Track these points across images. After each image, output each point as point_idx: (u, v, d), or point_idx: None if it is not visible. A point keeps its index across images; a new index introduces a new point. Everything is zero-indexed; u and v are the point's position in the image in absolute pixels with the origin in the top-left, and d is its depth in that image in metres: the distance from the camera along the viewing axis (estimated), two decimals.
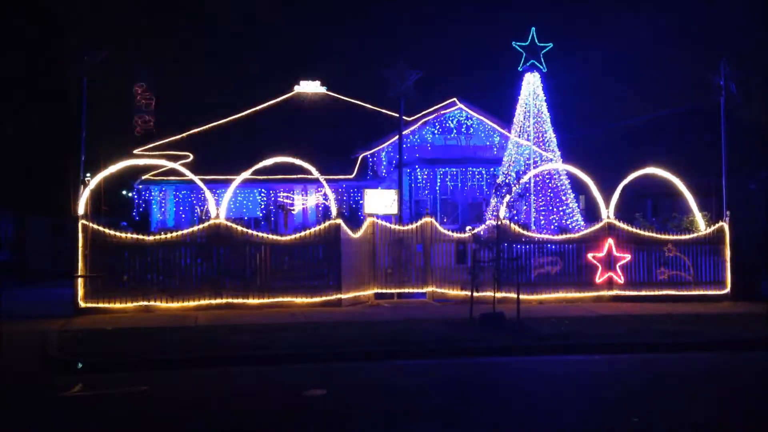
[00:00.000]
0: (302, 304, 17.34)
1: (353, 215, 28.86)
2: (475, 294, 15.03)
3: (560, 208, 21.75)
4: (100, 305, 16.44)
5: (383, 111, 35.53)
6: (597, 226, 18.96)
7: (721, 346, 13.25)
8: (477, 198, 29.31)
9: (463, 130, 31.46)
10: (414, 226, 19.34)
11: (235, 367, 11.58)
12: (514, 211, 17.16)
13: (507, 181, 17.31)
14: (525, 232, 18.68)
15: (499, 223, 16.98)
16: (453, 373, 11.53)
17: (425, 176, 30.10)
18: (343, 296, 17.68)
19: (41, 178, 28.93)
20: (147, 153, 30.06)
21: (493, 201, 17.00)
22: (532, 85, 22.08)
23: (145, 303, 16.71)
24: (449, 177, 30.03)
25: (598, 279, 18.62)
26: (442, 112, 31.37)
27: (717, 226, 19.29)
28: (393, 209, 19.68)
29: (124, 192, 36.63)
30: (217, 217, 17.40)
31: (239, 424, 8.71)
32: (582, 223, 21.44)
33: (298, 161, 21.31)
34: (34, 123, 28.99)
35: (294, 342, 12.83)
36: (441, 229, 19.33)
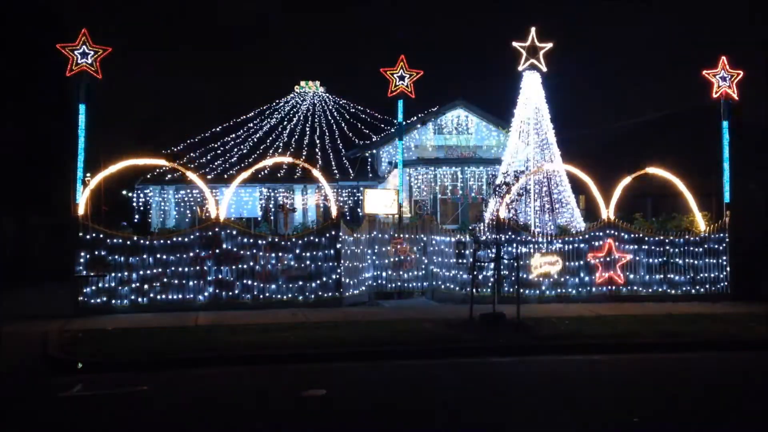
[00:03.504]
0: (302, 304, 17.34)
1: (353, 215, 28.89)
2: (475, 294, 15.04)
3: (560, 208, 21.73)
4: (100, 305, 16.46)
5: (383, 111, 35.55)
6: (597, 226, 18.96)
7: (721, 346, 13.24)
8: (477, 198, 29.32)
9: (463, 130, 31.50)
10: (414, 225, 19.35)
11: (235, 367, 11.58)
12: (514, 211, 17.13)
13: (507, 181, 17.27)
14: (525, 232, 18.69)
15: (499, 222, 16.99)
16: (453, 373, 11.53)
17: (425, 176, 30.12)
18: (343, 296, 17.69)
19: (41, 178, 28.92)
20: (147, 153, 30.06)
21: (492, 201, 16.98)
22: (531, 85, 22.06)
23: (145, 303, 16.73)
24: (449, 177, 30.04)
25: (598, 279, 18.62)
26: (442, 112, 31.40)
27: (717, 226, 19.30)
28: (393, 209, 19.68)
29: (124, 192, 36.67)
30: (217, 217, 17.41)
31: (239, 424, 8.71)
32: (582, 223, 21.43)
33: (298, 161, 21.34)
34: (34, 123, 28.97)
35: (294, 342, 12.83)
36: (441, 228, 19.33)
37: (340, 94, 39.24)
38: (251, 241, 17.45)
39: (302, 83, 39.30)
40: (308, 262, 17.60)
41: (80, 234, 16.49)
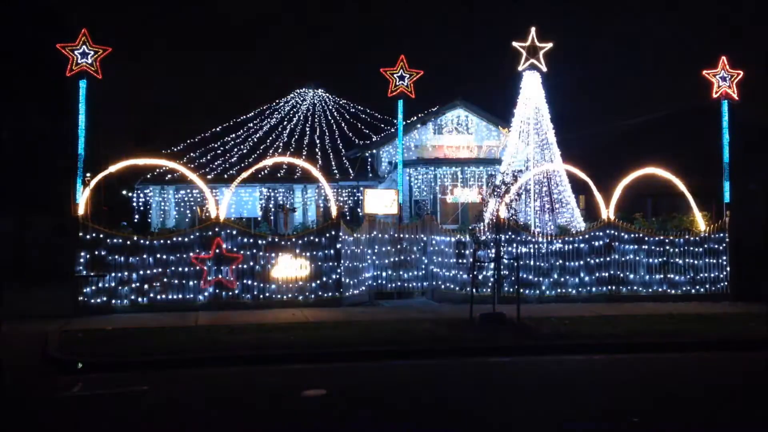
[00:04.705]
0: (302, 304, 17.34)
1: (353, 215, 28.88)
2: (475, 294, 15.05)
3: (560, 208, 21.74)
4: (100, 305, 16.46)
5: (383, 111, 35.55)
6: (597, 226, 18.96)
7: (721, 346, 13.25)
8: (477, 198, 29.31)
9: (463, 130, 31.48)
10: (414, 225, 19.35)
11: (235, 367, 11.59)
12: (514, 211, 17.12)
13: (507, 180, 17.27)
14: (525, 232, 18.69)
15: (499, 222, 16.98)
16: (453, 373, 11.53)
17: (425, 176, 30.11)
18: (343, 296, 17.68)
19: (41, 178, 28.89)
20: (147, 153, 30.04)
21: (492, 201, 16.99)
22: (532, 85, 22.06)
23: (145, 303, 16.72)
24: (449, 177, 30.04)
25: (598, 279, 18.62)
26: (442, 112, 31.39)
27: (717, 226, 19.30)
28: (393, 209, 19.67)
29: (124, 192, 36.65)
30: (217, 217, 17.41)
31: (239, 424, 8.71)
32: (582, 223, 21.43)
33: (298, 161, 21.33)
34: (34, 122, 28.94)
35: (294, 342, 12.83)
36: (441, 228, 19.33)
37: (340, 94, 39.24)
38: (251, 241, 17.44)
39: (302, 83, 39.32)
40: (308, 262, 17.60)
41: (80, 234, 16.49)
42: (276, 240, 17.81)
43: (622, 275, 18.71)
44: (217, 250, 17.16)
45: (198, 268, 17.07)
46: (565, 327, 14.39)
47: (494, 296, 15.24)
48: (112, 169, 17.46)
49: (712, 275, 19.01)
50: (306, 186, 30.94)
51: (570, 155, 23.20)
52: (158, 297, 16.83)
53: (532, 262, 18.49)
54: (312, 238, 17.78)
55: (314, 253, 17.62)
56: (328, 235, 17.74)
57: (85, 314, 16.05)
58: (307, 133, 34.88)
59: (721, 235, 19.14)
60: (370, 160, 31.82)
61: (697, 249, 19.02)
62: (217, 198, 21.49)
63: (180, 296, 16.94)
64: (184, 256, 17.03)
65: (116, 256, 16.69)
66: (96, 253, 16.55)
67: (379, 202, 19.76)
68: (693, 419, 8.91)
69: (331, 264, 17.63)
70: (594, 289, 18.59)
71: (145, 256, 16.84)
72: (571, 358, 12.49)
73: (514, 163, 21.81)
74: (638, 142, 31.13)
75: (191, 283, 17.01)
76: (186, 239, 17.16)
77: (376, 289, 18.75)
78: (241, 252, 17.29)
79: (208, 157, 32.26)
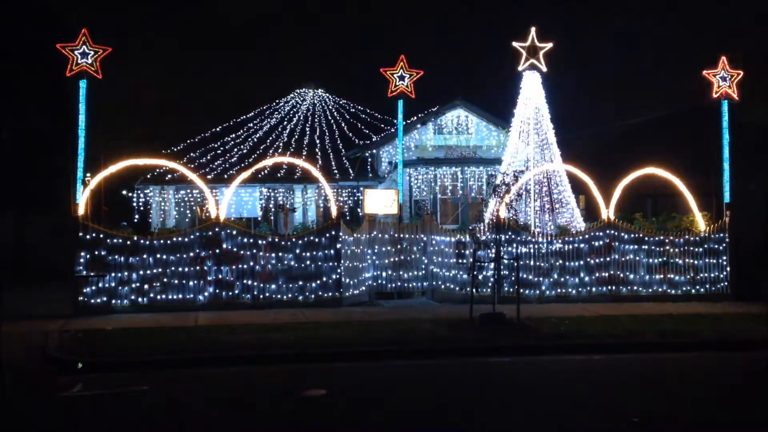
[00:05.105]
0: (302, 304, 17.34)
1: (353, 215, 28.88)
2: (475, 294, 15.05)
3: (560, 208, 21.73)
4: (100, 305, 16.46)
5: (383, 111, 35.54)
6: (597, 226, 18.97)
7: (721, 346, 13.26)
8: (477, 198, 29.33)
9: (463, 130, 31.49)
10: (414, 225, 19.35)
11: (235, 367, 11.59)
12: (514, 211, 17.14)
13: (506, 180, 17.28)
14: (525, 232, 18.69)
15: (499, 222, 17.00)
16: (453, 373, 11.54)
17: (425, 176, 30.11)
18: (343, 296, 17.68)
19: (41, 178, 28.88)
20: (147, 153, 30.03)
21: (492, 201, 17.00)
22: (531, 85, 22.05)
23: (145, 303, 16.72)
24: (449, 177, 30.04)
25: (598, 278, 18.62)
26: (442, 112, 31.38)
27: (717, 226, 19.30)
28: (393, 209, 19.67)
29: (124, 192, 36.64)
30: (217, 217, 17.41)
31: (239, 424, 8.71)
32: (582, 223, 21.42)
33: (298, 161, 21.32)
34: (34, 122, 28.91)
35: (294, 342, 12.84)
36: (441, 228, 19.33)
37: (339, 94, 39.25)
38: (251, 241, 17.44)
39: (302, 83, 39.30)
40: (308, 262, 17.60)
41: (80, 234, 16.49)
42: (276, 240, 17.81)
43: (622, 275, 18.71)
44: (217, 250, 17.16)
45: (198, 268, 17.06)
46: (565, 327, 14.39)
47: (494, 296, 15.24)
48: (112, 169, 17.46)
49: (712, 275, 19.01)
50: (306, 186, 30.93)
51: (570, 155, 23.19)
52: (158, 297, 16.83)
53: (532, 262, 18.49)
54: (312, 238, 17.78)
55: (314, 253, 17.62)
56: (328, 235, 17.74)
57: (85, 314, 16.05)
58: (307, 133, 34.88)
59: (721, 235, 19.14)
60: (370, 160, 31.82)
61: (697, 249, 19.02)
62: (217, 198, 21.49)
63: (180, 296, 16.94)
64: (184, 256, 17.03)
65: (116, 256, 16.68)
66: (96, 253, 16.54)
67: (379, 202, 19.75)
68: (693, 419, 8.91)
69: (331, 264, 17.63)
70: (594, 289, 18.59)
71: (145, 256, 16.84)
72: (571, 358, 12.50)
73: (514, 163, 21.80)
74: (638, 142, 31.10)
75: (191, 283, 17.02)
76: (186, 239, 17.16)
77: (376, 289, 18.75)
78: (241, 252, 17.29)
79: (208, 157, 32.26)
